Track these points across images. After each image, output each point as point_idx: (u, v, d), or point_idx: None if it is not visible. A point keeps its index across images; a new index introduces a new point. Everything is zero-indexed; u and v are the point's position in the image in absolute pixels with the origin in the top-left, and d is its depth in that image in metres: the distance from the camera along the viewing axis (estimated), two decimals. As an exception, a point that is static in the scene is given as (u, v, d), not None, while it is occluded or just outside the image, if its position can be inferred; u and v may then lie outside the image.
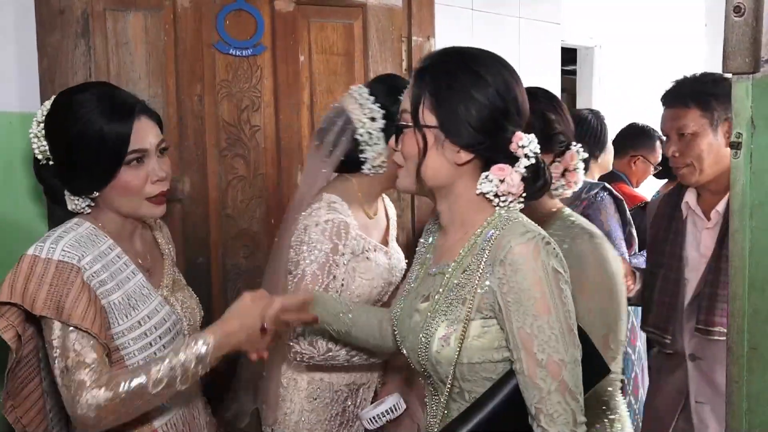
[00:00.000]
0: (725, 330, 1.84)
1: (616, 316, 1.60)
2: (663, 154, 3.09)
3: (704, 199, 2.06)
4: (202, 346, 1.42)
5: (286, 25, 2.35)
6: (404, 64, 2.55)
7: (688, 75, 2.05)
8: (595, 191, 2.56)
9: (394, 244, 1.93)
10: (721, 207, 1.99)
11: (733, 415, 1.23)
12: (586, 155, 1.67)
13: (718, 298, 1.93)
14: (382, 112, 1.74)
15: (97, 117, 1.45)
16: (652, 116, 3.43)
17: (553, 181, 1.62)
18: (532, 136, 1.28)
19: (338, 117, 1.77)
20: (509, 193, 1.28)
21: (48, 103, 1.53)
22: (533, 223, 1.29)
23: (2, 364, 1.90)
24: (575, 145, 1.67)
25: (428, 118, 1.28)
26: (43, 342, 1.49)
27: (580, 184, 1.70)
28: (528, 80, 3.27)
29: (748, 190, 1.21)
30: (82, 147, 1.44)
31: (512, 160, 1.28)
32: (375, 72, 2.44)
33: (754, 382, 1.22)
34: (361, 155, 1.75)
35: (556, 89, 3.28)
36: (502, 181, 1.27)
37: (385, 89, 1.78)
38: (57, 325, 1.39)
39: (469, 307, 1.26)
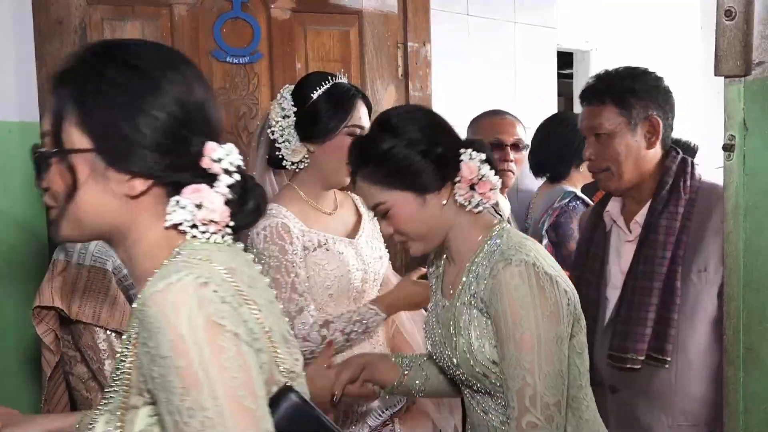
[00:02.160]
0: (641, 357, 1.67)
1: (542, 363, 1.27)
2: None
3: (628, 208, 1.82)
4: None
5: (282, 33, 2.36)
6: (400, 70, 2.56)
7: (610, 70, 1.82)
8: (568, 200, 2.54)
9: (364, 238, 1.93)
10: (640, 217, 1.76)
11: (730, 416, 1.24)
12: (483, 156, 1.38)
13: (631, 321, 1.69)
14: (295, 108, 1.78)
15: None
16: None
17: (468, 202, 1.39)
18: (231, 146, 0.97)
19: (263, 119, 1.86)
20: (211, 221, 0.95)
21: None
22: (204, 256, 0.92)
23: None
24: (464, 153, 1.37)
25: (77, 139, 0.92)
26: (68, 347, 1.54)
27: (498, 188, 1.42)
28: (524, 84, 3.26)
29: (741, 192, 1.22)
30: None
31: (208, 179, 0.95)
32: (372, 79, 2.45)
33: (750, 383, 1.23)
34: (277, 153, 1.80)
35: (552, 93, 3.29)
36: (199, 206, 0.94)
37: (303, 86, 1.82)
38: (99, 329, 1.46)
39: (126, 391, 0.91)
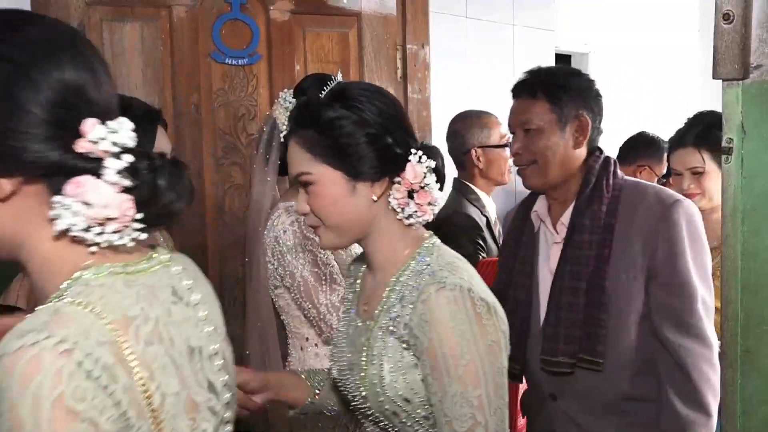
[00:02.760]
0: (571, 360, 1.63)
1: (491, 397, 1.13)
2: (668, 168, 3.09)
3: (553, 209, 1.78)
4: None
5: (281, 34, 2.36)
6: (399, 72, 2.57)
7: (543, 66, 1.79)
8: None
9: None
10: (566, 218, 1.72)
11: (728, 419, 1.24)
12: (432, 163, 1.21)
13: (561, 322, 1.65)
14: None
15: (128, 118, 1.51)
16: (645, 122, 3.45)
17: (401, 208, 1.22)
18: (120, 121, 0.80)
19: (267, 124, 1.84)
20: (108, 219, 0.77)
21: None
22: (94, 299, 0.75)
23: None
24: (414, 154, 1.20)
25: None
26: None
27: (439, 206, 1.26)
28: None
29: (739, 194, 1.22)
30: None
31: (96, 166, 0.77)
32: (370, 80, 2.45)
33: (748, 386, 1.23)
34: None
35: (551, 95, 3.29)
36: (88, 204, 0.76)
37: (305, 87, 1.83)
38: None
39: None
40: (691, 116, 2.26)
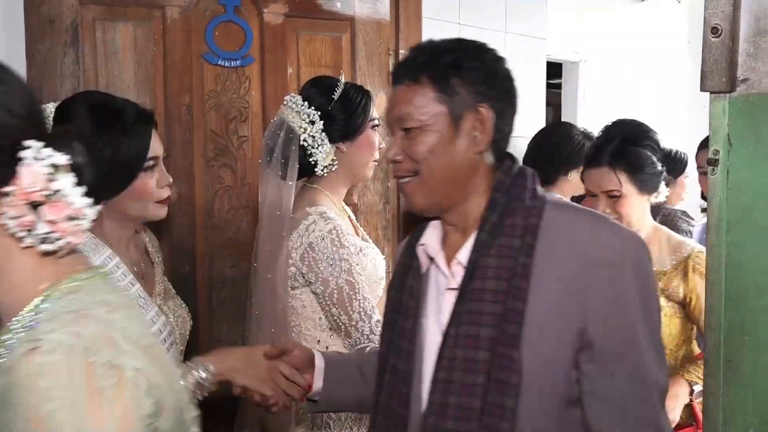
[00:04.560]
0: None
1: None
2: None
3: (450, 241, 1.26)
4: (201, 372, 1.42)
5: (274, 37, 2.37)
6: (391, 78, 2.58)
7: (436, 40, 1.27)
8: None
9: (368, 238, 2.00)
10: (463, 255, 1.20)
11: (710, 428, 1.25)
12: (61, 159, 0.83)
13: (449, 411, 1.13)
14: (319, 113, 1.80)
15: (122, 125, 1.50)
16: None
17: (25, 231, 0.84)
18: None
19: (280, 129, 1.84)
20: None
21: (48, 111, 1.55)
22: None
23: None
24: (30, 149, 0.83)
25: None
26: None
27: (86, 223, 0.88)
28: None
29: (724, 206, 1.24)
30: (107, 154, 1.48)
31: None
32: (362, 85, 2.46)
33: (730, 395, 1.25)
34: (310, 159, 1.80)
35: (541, 103, 3.31)
36: None
37: (317, 91, 1.84)
38: None
39: None
40: (606, 126, 1.95)
